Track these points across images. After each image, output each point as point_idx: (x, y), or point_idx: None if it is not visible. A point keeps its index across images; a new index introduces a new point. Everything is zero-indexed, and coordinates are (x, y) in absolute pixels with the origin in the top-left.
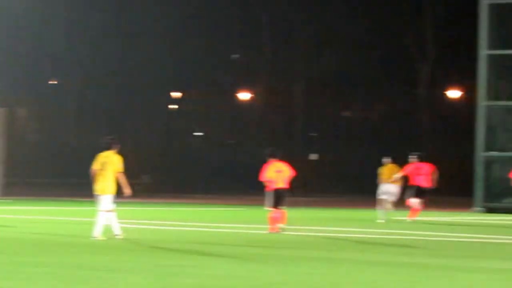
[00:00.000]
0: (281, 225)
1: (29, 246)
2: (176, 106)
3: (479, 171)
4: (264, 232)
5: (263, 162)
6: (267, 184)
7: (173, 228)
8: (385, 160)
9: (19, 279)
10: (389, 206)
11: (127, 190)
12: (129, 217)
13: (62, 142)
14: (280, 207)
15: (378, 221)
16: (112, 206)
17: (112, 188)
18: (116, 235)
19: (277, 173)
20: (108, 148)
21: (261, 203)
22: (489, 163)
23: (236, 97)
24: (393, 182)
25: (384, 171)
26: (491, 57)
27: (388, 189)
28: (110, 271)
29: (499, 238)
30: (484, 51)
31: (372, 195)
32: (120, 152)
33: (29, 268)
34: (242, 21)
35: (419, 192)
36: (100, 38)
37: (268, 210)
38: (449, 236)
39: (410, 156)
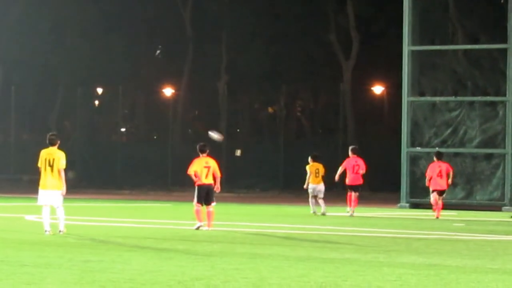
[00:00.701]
0: (204, 222)
1: None
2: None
3: (405, 166)
4: (191, 228)
5: (188, 157)
6: (194, 179)
7: (101, 224)
8: (310, 159)
9: None
10: (321, 202)
11: (64, 188)
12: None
13: None
14: (207, 202)
15: (311, 212)
16: (56, 202)
17: (57, 184)
18: (46, 230)
19: (204, 168)
20: (51, 143)
21: (187, 199)
22: (414, 159)
23: (159, 92)
24: (321, 181)
25: (311, 170)
26: (414, 53)
27: (317, 187)
28: (37, 266)
29: (424, 234)
30: (407, 47)
31: (296, 191)
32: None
33: None
34: (165, 16)
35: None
36: (23, 34)
37: (194, 206)
38: (375, 232)
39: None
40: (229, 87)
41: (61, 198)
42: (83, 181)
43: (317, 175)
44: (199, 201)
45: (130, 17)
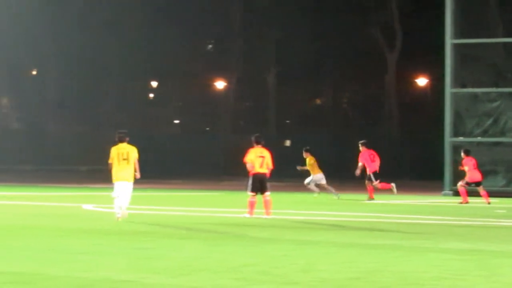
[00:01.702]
0: (253, 216)
1: (10, 230)
2: (152, 95)
3: (448, 156)
4: (241, 215)
5: (239, 149)
6: (249, 169)
7: (154, 212)
8: (305, 152)
9: (2, 262)
10: (328, 187)
11: (138, 174)
12: (111, 202)
13: (43, 131)
14: (262, 191)
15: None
16: (128, 191)
17: (129, 176)
18: (120, 217)
19: (259, 158)
20: (121, 140)
21: (237, 188)
22: (456, 148)
23: (211, 85)
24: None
25: (310, 162)
26: (456, 46)
27: (317, 177)
28: (93, 254)
29: (467, 220)
30: (449, 40)
31: (343, 179)
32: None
33: (12, 252)
34: (216, 11)
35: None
36: (78, 28)
37: (248, 195)
38: (420, 219)
39: (360, 144)
40: (278, 79)
41: (131, 188)
42: (136, 172)
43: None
44: (253, 190)
45: (182, 12)
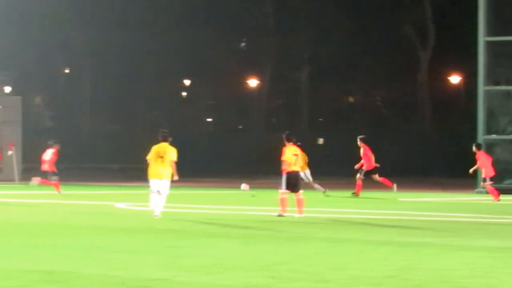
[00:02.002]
0: (286, 213)
1: (43, 228)
2: (185, 93)
3: None
4: (274, 214)
5: (271, 147)
6: (284, 167)
7: (187, 210)
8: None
9: (35, 260)
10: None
11: (176, 177)
12: (144, 200)
13: (76, 129)
14: (296, 190)
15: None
16: (163, 189)
17: (165, 174)
18: (156, 215)
19: (293, 156)
20: (164, 139)
21: (270, 187)
22: (489, 146)
23: (244, 83)
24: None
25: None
26: (489, 43)
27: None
28: (126, 252)
29: (499, 218)
30: (482, 38)
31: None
32: (136, 140)
33: (45, 250)
34: (249, 9)
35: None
36: (111, 26)
37: (280, 192)
38: (452, 216)
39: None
40: (311, 77)
41: (168, 187)
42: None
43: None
44: (287, 188)
45: (216, 10)
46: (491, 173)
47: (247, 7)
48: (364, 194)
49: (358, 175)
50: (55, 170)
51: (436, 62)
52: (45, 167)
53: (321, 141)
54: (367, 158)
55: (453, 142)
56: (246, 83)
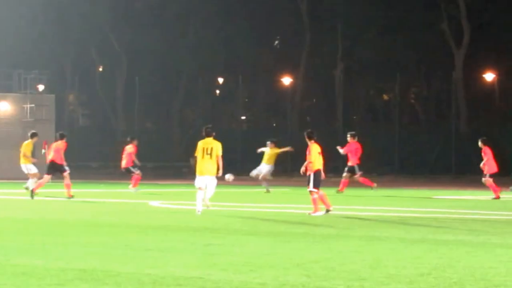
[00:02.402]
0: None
1: (77, 227)
2: (219, 91)
3: None
4: (309, 212)
5: (305, 144)
6: (310, 167)
7: (221, 208)
8: (269, 143)
9: (69, 258)
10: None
11: (220, 172)
12: (178, 198)
13: (110, 127)
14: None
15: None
16: (204, 185)
17: (212, 170)
18: (198, 211)
19: (319, 155)
20: (208, 135)
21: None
22: None
23: (278, 81)
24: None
25: (273, 152)
26: None
27: (262, 168)
28: (161, 251)
29: None
30: None
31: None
32: (170, 138)
33: (79, 248)
34: (283, 7)
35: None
36: (146, 25)
37: (312, 191)
38: (488, 214)
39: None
40: (345, 75)
41: (215, 182)
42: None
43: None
44: (316, 186)
45: (249, 8)
46: (494, 169)
47: (281, 5)
48: (399, 192)
49: (346, 173)
50: (138, 163)
51: (471, 59)
52: (124, 163)
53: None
54: (351, 154)
55: (488, 140)
56: (280, 81)
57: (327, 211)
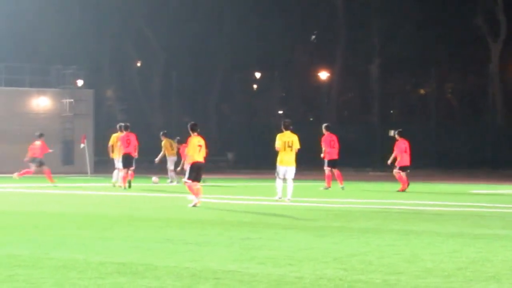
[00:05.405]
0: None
1: (116, 221)
2: (255, 86)
3: None
4: (346, 206)
5: (344, 139)
6: (188, 158)
7: (257, 202)
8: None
9: (109, 252)
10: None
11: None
12: (216, 192)
13: (148, 122)
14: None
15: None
16: (290, 175)
17: (292, 161)
18: (288, 199)
19: (198, 147)
20: (286, 128)
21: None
22: None
23: (315, 76)
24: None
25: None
26: None
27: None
28: (199, 244)
29: None
30: None
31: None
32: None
33: (118, 242)
34: (318, 1)
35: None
36: (182, 21)
37: (186, 182)
38: None
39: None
40: (381, 70)
41: (293, 172)
42: (239, 162)
43: None
44: (191, 178)
45: (285, 3)
46: None
47: (317, 0)
48: (435, 187)
49: (325, 168)
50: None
51: (507, 53)
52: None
53: (392, 133)
54: (325, 147)
55: None
56: (317, 76)
57: (195, 205)
